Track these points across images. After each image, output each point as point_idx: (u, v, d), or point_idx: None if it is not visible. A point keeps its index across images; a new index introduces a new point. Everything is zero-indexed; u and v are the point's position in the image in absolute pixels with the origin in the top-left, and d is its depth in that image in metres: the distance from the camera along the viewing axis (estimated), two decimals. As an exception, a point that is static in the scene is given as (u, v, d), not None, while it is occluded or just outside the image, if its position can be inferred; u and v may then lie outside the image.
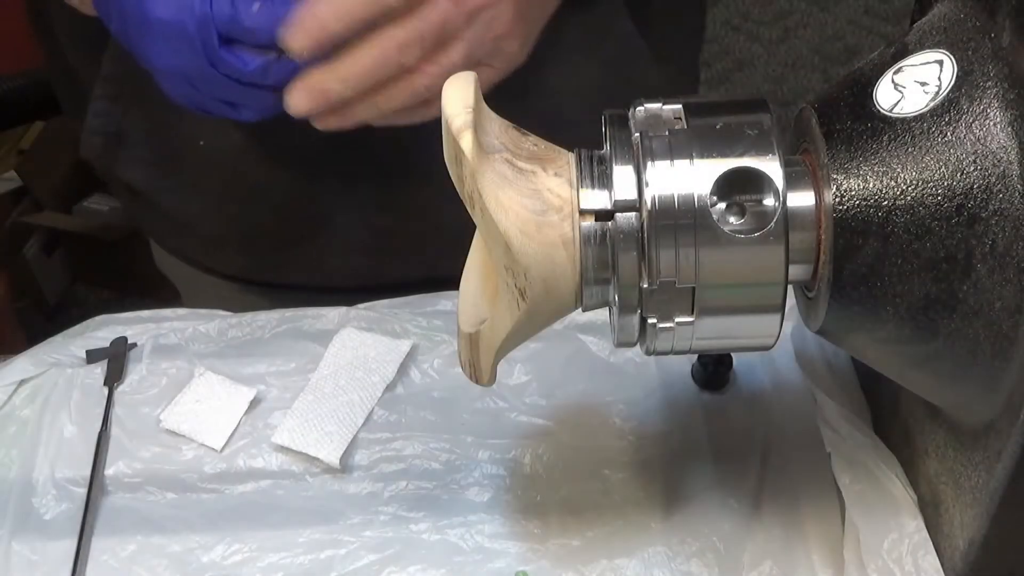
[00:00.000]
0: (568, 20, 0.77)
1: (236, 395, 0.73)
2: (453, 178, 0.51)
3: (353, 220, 0.87)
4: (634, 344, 0.54)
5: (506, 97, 0.62)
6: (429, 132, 0.58)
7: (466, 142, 0.49)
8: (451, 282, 0.60)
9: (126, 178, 0.90)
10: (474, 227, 0.54)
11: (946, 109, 0.49)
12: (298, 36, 0.63)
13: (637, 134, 0.51)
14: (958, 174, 0.48)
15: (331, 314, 0.78)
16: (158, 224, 0.96)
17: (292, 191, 0.86)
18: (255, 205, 0.88)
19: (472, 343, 0.55)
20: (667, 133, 0.51)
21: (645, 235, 0.50)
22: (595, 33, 0.83)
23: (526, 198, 0.51)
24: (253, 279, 0.94)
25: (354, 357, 0.74)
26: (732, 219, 0.50)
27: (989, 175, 0.48)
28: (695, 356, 0.73)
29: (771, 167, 0.50)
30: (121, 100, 0.84)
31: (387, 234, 0.87)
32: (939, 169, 0.49)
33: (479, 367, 0.56)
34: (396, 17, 0.65)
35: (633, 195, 0.51)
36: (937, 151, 0.49)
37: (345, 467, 0.70)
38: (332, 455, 0.69)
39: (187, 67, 0.65)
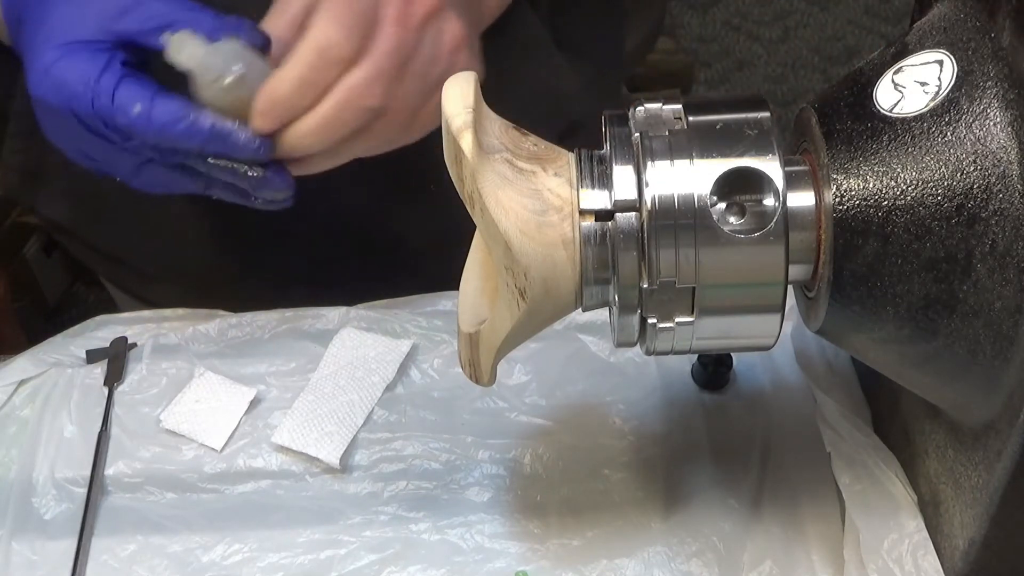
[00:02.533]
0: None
1: (236, 395, 0.73)
2: (453, 178, 0.51)
3: (283, 260, 0.86)
4: (634, 344, 0.54)
5: None
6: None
7: (466, 142, 0.49)
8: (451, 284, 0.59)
9: (46, 213, 0.88)
10: (474, 228, 0.54)
11: (946, 109, 0.49)
12: (258, 121, 0.62)
13: (637, 134, 0.51)
14: (958, 174, 0.48)
15: (331, 314, 0.78)
16: (89, 256, 0.94)
17: (221, 225, 0.84)
18: (184, 241, 0.86)
19: (472, 343, 0.55)
20: (667, 133, 0.51)
21: (645, 235, 0.50)
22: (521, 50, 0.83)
23: (526, 198, 0.51)
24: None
25: (354, 357, 0.74)
26: (732, 219, 0.50)
27: (989, 175, 0.48)
28: (695, 356, 0.73)
29: (771, 167, 0.50)
30: (37, 136, 0.79)
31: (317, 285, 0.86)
32: (939, 169, 0.49)
33: (479, 367, 0.56)
34: (348, 62, 0.62)
35: (633, 195, 0.51)
36: (937, 151, 0.49)
37: (345, 467, 0.70)
38: (332, 455, 0.69)
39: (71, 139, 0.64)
